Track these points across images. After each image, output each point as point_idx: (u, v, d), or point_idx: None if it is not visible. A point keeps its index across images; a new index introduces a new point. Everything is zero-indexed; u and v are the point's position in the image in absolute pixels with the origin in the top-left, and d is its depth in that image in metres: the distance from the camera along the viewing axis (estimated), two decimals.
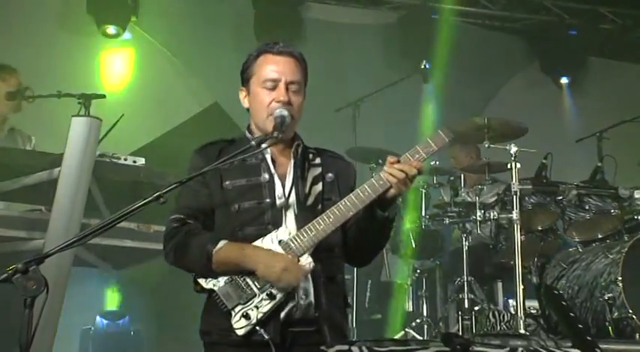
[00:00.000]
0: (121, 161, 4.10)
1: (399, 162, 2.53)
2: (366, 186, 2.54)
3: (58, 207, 3.76)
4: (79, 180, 3.78)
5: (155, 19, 7.02)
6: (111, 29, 6.69)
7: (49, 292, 2.13)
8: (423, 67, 6.18)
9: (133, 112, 6.25)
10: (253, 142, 2.51)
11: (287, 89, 2.66)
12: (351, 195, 2.55)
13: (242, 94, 2.78)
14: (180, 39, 7.13)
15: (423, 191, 5.48)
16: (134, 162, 4.13)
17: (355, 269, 5.31)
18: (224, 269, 2.51)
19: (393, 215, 2.66)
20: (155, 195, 2.30)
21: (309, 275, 2.54)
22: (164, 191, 2.32)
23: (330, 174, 2.74)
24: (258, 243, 2.54)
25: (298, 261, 2.51)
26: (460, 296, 5.03)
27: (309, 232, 2.52)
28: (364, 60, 7.76)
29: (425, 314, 5.44)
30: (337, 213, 2.53)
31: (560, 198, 4.71)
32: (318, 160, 2.77)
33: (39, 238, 3.79)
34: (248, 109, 2.77)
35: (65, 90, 4.43)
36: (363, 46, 7.80)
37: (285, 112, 2.61)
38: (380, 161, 5.50)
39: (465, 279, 4.99)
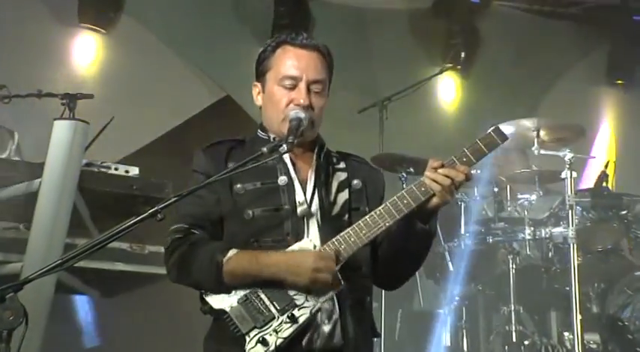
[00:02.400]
0: (112, 170, 4.11)
1: (443, 166, 2.52)
2: (405, 194, 2.53)
3: (38, 225, 3.78)
4: (62, 192, 3.80)
5: (150, 8, 7.07)
6: (99, 24, 6.77)
7: (28, 323, 2.14)
8: (461, 59, 6.18)
9: (127, 113, 6.30)
10: (265, 150, 2.49)
11: (308, 90, 2.65)
12: (387, 203, 2.54)
13: (255, 90, 2.78)
14: (181, 28, 7.17)
15: (463, 204, 5.46)
16: (126, 171, 4.15)
17: (383, 295, 5.29)
18: (237, 282, 2.49)
19: (435, 229, 2.65)
20: (151, 211, 2.29)
21: (334, 296, 2.52)
22: (162, 206, 2.32)
23: (356, 181, 2.73)
24: None
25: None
26: (507, 327, 5.00)
27: (339, 245, 2.51)
28: (392, 52, 7.75)
29: (465, 349, 5.41)
30: (371, 223, 2.51)
31: (625, 212, 4.69)
32: (342, 165, 2.77)
33: (16, 261, 3.81)
34: (261, 107, 2.78)
35: (47, 89, 4.47)
36: (392, 36, 7.80)
37: (302, 114, 2.61)
38: (411, 170, 5.49)
39: (513, 308, 4.96)
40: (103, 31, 6.80)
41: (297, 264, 2.45)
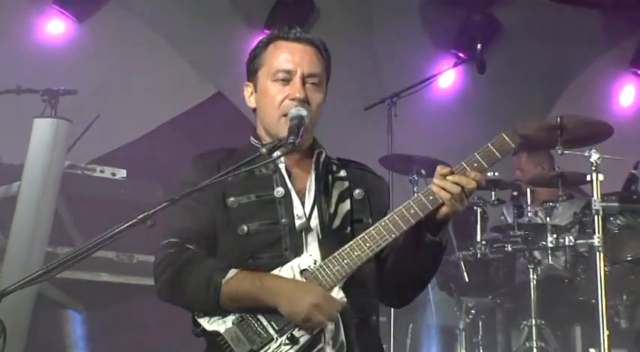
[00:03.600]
0: (97, 173, 4.14)
1: (452, 173, 2.52)
2: (412, 203, 2.52)
3: (16, 232, 3.80)
4: (43, 197, 3.82)
5: None
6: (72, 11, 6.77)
7: (6, 339, 2.14)
8: (477, 52, 6.16)
9: (112, 110, 6.31)
10: (264, 150, 2.49)
11: (303, 83, 2.66)
12: (392, 213, 2.54)
13: (247, 91, 2.80)
14: (171, 20, 7.17)
15: (479, 210, 5.45)
16: (113, 174, 4.17)
17: (392, 309, 5.29)
18: (235, 305, 2.49)
19: (446, 241, 2.64)
20: (140, 217, 2.30)
21: (339, 315, 2.51)
22: (152, 211, 2.32)
23: (358, 190, 2.74)
24: (275, 273, 2.53)
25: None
26: (527, 344, 4.99)
27: (341, 260, 2.51)
28: (402, 43, 7.75)
29: None
30: (375, 236, 2.51)
31: None
32: (343, 173, 2.78)
33: None
34: (255, 110, 2.79)
35: (26, 84, 4.48)
36: (401, 26, 7.80)
37: (304, 112, 2.60)
38: (423, 172, 5.49)
39: (534, 323, 4.96)
40: (74, 19, 6.78)
41: (301, 295, 2.45)
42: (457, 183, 2.49)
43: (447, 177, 2.51)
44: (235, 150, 2.77)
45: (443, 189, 2.50)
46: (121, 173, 4.20)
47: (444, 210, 2.53)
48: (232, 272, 2.50)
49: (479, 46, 6.17)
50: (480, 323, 5.51)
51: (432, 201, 2.52)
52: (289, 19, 6.34)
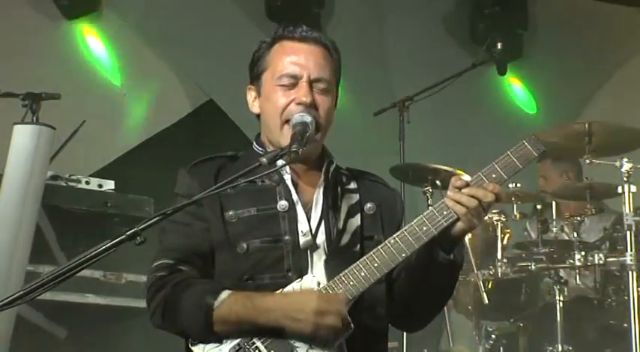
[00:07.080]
0: (82, 184, 4.14)
1: (468, 185, 2.51)
2: (424, 219, 2.52)
3: None
4: (23, 210, 3.82)
5: None
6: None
7: None
8: (496, 51, 6.18)
9: (100, 117, 6.33)
10: (264, 160, 2.47)
11: (311, 87, 2.66)
12: (403, 230, 2.52)
13: (250, 95, 2.79)
14: (163, 19, 7.20)
15: (499, 225, 5.45)
16: (99, 186, 4.17)
17: (404, 334, 5.29)
18: (231, 330, 2.48)
19: (462, 259, 2.63)
20: (130, 233, 2.29)
21: (344, 343, 2.50)
22: (142, 226, 2.32)
23: (370, 204, 2.73)
24: None
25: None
26: None
27: (346, 282, 2.50)
28: (414, 42, 7.76)
29: None
30: (385, 255, 2.50)
31: None
32: (353, 185, 2.77)
33: None
34: (258, 116, 2.78)
35: (6, 87, 4.49)
36: (413, 22, 7.81)
37: (308, 118, 2.60)
38: (438, 183, 5.49)
39: (560, 349, 4.95)
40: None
41: (299, 307, 2.44)
42: (474, 197, 2.48)
43: (463, 190, 2.50)
44: (236, 158, 2.76)
45: (458, 202, 2.49)
46: (109, 184, 4.19)
47: (460, 225, 2.52)
48: (224, 294, 2.48)
49: (499, 46, 6.18)
50: (502, 349, 5.50)
51: (446, 217, 2.51)
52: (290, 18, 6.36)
